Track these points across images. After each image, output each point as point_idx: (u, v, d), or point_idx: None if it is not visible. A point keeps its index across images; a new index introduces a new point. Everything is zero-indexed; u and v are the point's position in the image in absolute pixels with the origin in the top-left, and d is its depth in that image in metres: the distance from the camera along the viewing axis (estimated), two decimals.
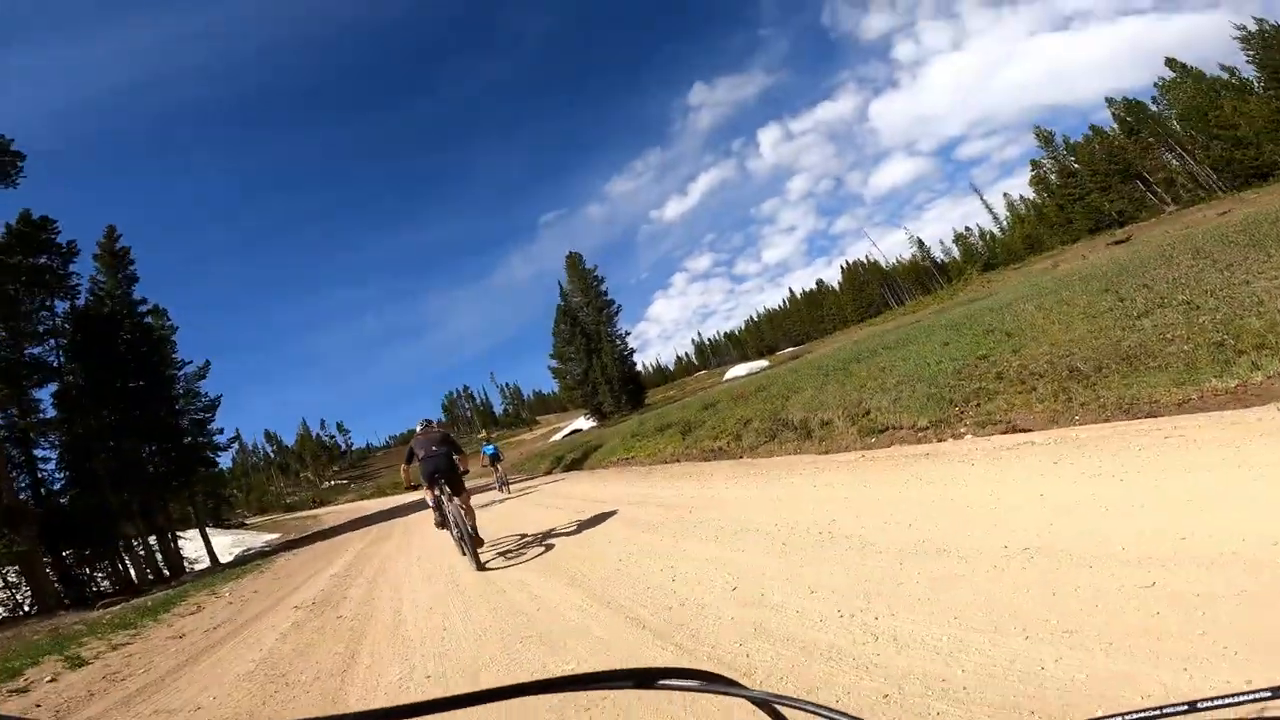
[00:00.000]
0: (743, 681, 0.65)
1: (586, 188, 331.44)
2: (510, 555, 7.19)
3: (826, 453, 9.00)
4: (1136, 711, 0.58)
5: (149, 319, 25.62)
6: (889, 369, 10.45)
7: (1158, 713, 0.58)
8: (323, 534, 24.10)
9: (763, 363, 62.51)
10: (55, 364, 20.38)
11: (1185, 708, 0.57)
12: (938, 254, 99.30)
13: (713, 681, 0.63)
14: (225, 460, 70.86)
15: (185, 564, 22.31)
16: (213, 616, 9.62)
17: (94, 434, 18.88)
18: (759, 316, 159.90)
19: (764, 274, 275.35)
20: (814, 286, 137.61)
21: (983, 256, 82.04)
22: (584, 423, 53.86)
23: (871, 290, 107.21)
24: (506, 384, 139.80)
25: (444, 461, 7.09)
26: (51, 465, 18.90)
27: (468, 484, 7.75)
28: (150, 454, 21.81)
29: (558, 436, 55.72)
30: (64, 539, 17.42)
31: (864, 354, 13.22)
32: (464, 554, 6.83)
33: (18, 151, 21.40)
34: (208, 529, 25.92)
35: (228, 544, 31.62)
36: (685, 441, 14.79)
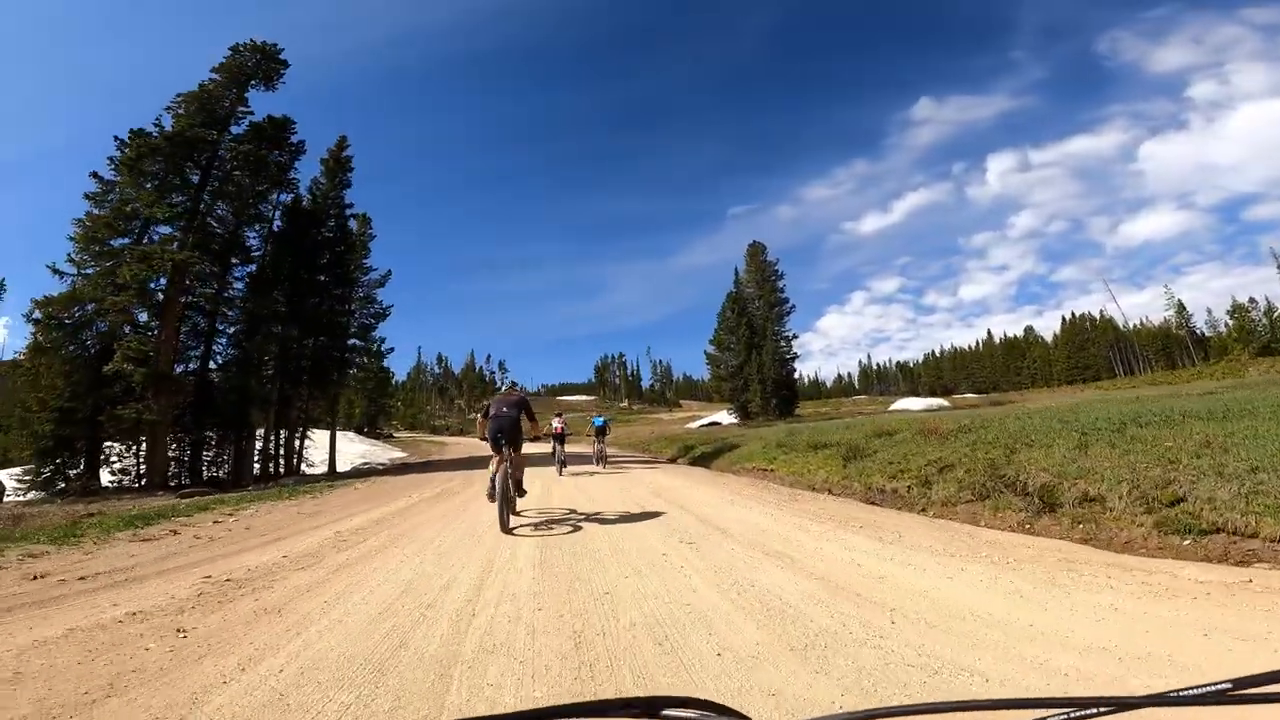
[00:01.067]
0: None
1: (781, 187, 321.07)
2: (542, 528, 7.31)
3: (1085, 541, 5.70)
4: (1108, 700, 0.59)
5: (353, 222, 26.95)
6: (1224, 446, 6.48)
7: (1130, 702, 0.59)
8: (434, 464, 23.91)
9: (940, 401, 55.03)
10: (259, 250, 21.72)
11: (1155, 699, 0.58)
12: (1200, 324, 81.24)
13: (720, 713, 0.63)
14: (393, 369, 78.77)
15: (305, 466, 23.08)
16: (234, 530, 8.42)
17: (264, 315, 19.79)
18: (942, 353, 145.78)
19: (956, 310, 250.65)
20: (1020, 333, 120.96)
21: (1262, 337, 65.66)
22: (725, 417, 50.98)
23: (1095, 351, 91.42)
24: (660, 360, 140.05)
25: (509, 423, 7.45)
26: (224, 342, 20.16)
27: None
28: (314, 346, 22.67)
29: (695, 424, 53.43)
30: (202, 415, 18.39)
31: (1148, 418, 9.06)
32: (502, 515, 6.99)
33: (283, 60, 23.05)
34: (342, 434, 26.87)
35: (358, 452, 33.36)
36: (846, 470, 11.56)
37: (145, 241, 17.84)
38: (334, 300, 24.26)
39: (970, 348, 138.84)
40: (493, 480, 7.24)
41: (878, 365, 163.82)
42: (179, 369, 19.15)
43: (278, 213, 22.08)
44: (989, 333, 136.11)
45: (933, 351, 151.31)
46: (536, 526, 7.39)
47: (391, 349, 27.44)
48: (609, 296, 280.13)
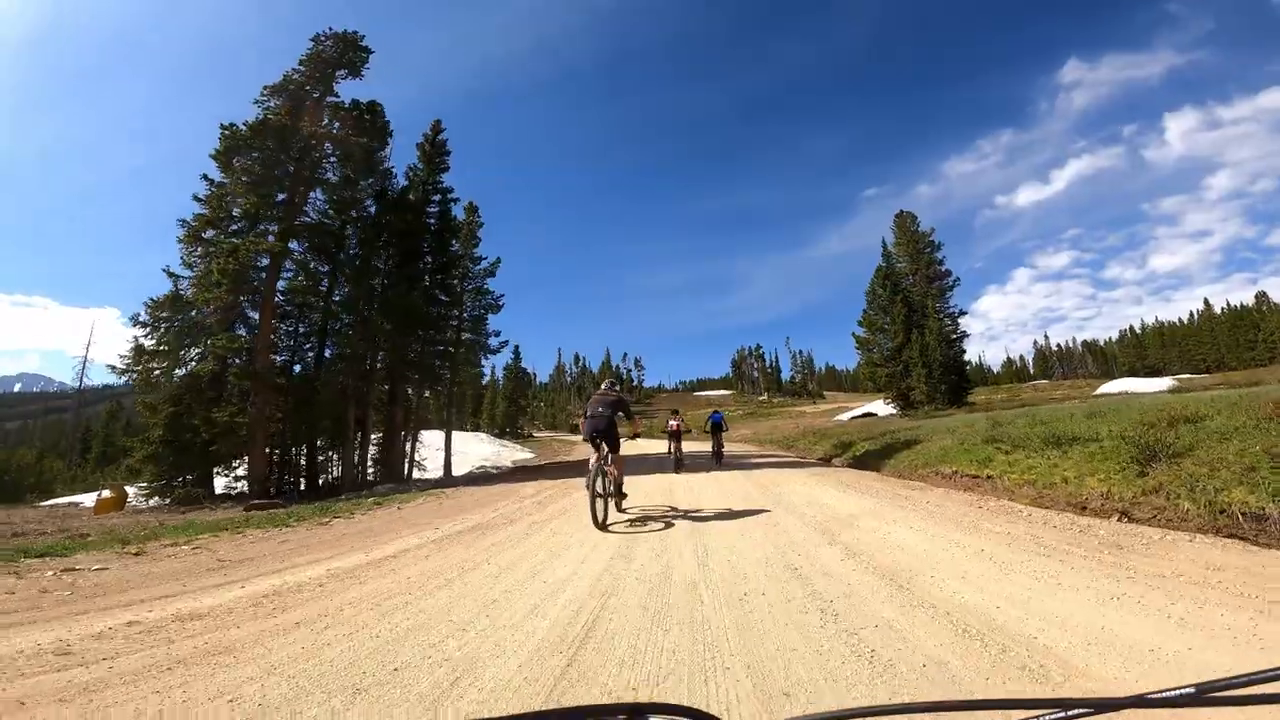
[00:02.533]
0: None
1: (918, 165, 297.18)
2: (638, 524, 7.12)
3: None
4: (1089, 701, 0.61)
5: (459, 211, 25.45)
6: None
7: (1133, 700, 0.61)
8: (547, 469, 21.52)
9: (1166, 382, 44.49)
10: (354, 241, 20.48)
11: (1171, 693, 0.60)
12: None
13: (700, 718, 0.65)
14: (498, 363, 79.62)
15: (417, 470, 21.58)
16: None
17: (357, 308, 18.39)
18: (1143, 329, 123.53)
19: (1147, 282, 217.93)
20: (1248, 301, 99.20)
21: None
22: (881, 407, 44.68)
23: None
24: (799, 351, 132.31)
25: (604, 422, 7.46)
26: (319, 341, 18.85)
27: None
28: (420, 340, 21.12)
29: (844, 416, 47.58)
30: (301, 416, 17.12)
31: None
32: (594, 509, 6.85)
33: (366, 47, 21.91)
34: (474, 435, 25.25)
35: (484, 454, 32.10)
36: (1146, 479, 7.02)
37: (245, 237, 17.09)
38: (437, 290, 22.68)
39: (1180, 322, 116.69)
40: (589, 479, 7.11)
41: (1058, 346, 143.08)
42: (290, 369, 18.37)
43: (370, 200, 20.72)
44: (1206, 303, 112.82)
45: (1129, 328, 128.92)
46: (635, 523, 7.21)
47: (505, 342, 25.63)
48: (744, 291, 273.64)
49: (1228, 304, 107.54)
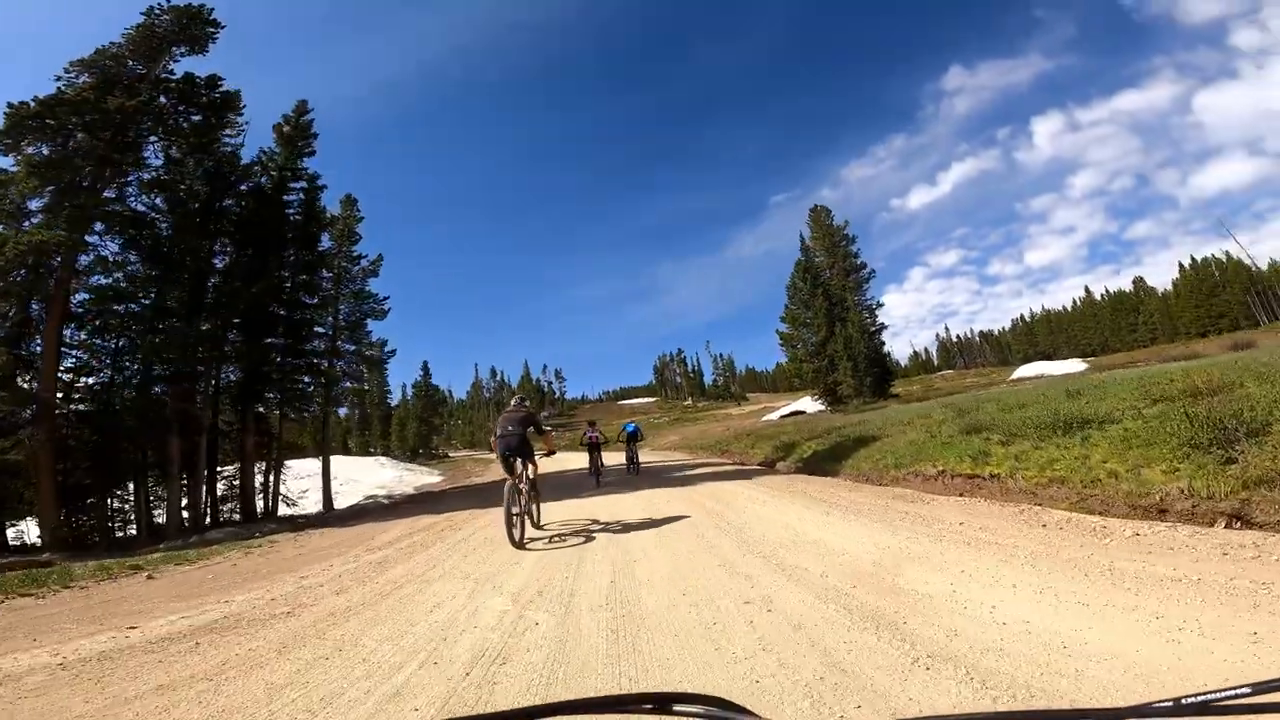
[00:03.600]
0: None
1: (821, 171, 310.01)
2: (556, 540, 7.03)
3: None
4: (1128, 708, 0.59)
5: (330, 202, 21.78)
6: None
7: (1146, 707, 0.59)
8: (453, 494, 18.44)
9: (1078, 365, 46.09)
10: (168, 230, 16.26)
11: (1170, 704, 0.59)
12: None
13: (727, 709, 0.64)
14: (404, 380, 74.42)
15: (285, 504, 17.80)
16: None
17: (165, 304, 14.56)
18: (1033, 317, 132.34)
19: (1025, 277, 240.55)
20: (1126, 287, 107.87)
21: None
22: (809, 404, 43.86)
23: (1228, 297, 78.68)
24: (720, 354, 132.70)
25: (515, 440, 7.32)
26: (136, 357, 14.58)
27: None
28: (270, 351, 17.33)
29: (773, 415, 46.52)
30: (97, 451, 13.15)
31: None
32: (510, 529, 6.69)
33: (214, 20, 18.10)
34: (372, 460, 21.51)
35: (381, 480, 28.30)
36: (1236, 470, 5.07)
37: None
38: (301, 291, 19.05)
39: (1065, 309, 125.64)
40: (505, 498, 6.80)
41: (957, 337, 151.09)
42: (106, 393, 14.29)
43: (205, 187, 16.72)
44: (1087, 290, 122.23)
45: (1020, 317, 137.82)
46: (553, 540, 7.06)
47: (392, 351, 22.09)
48: (665, 298, 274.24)
49: (1107, 290, 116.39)
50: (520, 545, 6.60)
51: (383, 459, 35.00)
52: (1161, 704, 0.59)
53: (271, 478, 17.07)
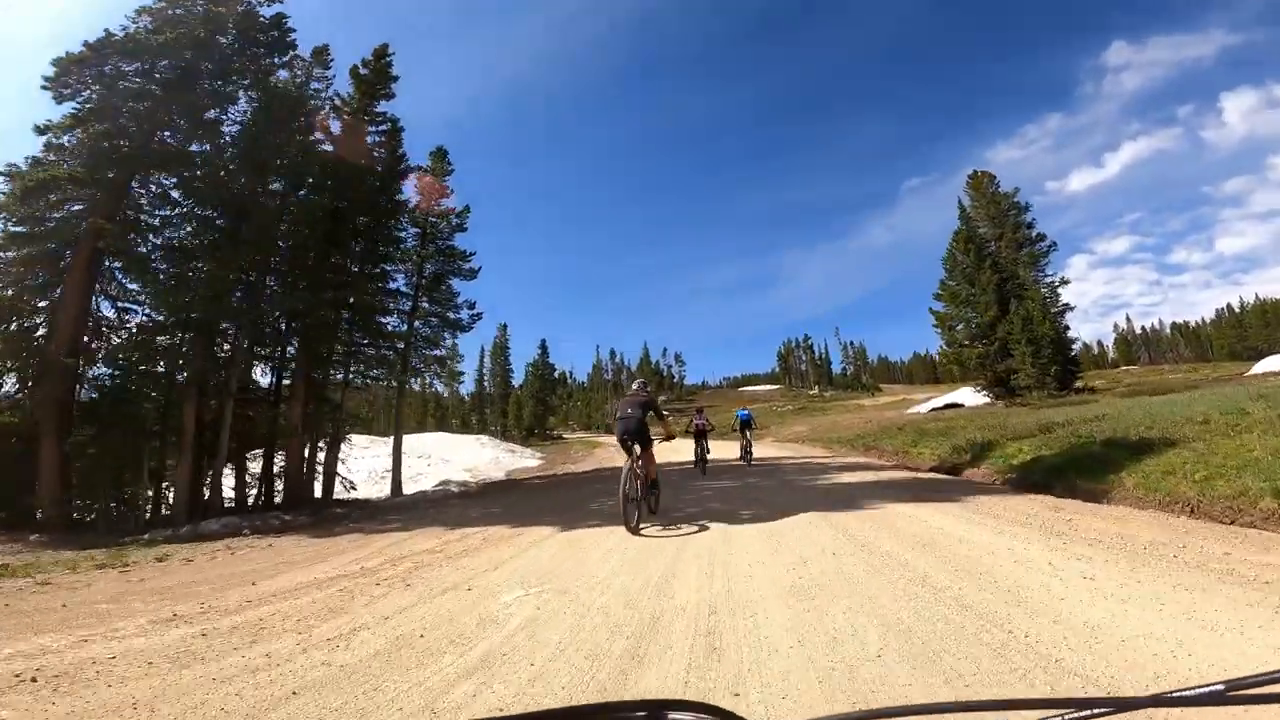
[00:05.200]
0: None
1: (961, 154, 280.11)
2: (671, 527, 6.73)
3: None
4: (1108, 701, 0.61)
5: (416, 154, 19.14)
6: None
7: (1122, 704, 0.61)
8: (542, 487, 15.12)
9: None
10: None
11: (1154, 699, 0.60)
12: None
13: (722, 716, 0.63)
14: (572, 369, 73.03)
15: (347, 487, 15.17)
16: None
17: (205, 237, 12.08)
18: (1243, 308, 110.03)
19: (1215, 266, 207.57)
20: None
21: None
22: (970, 396, 36.74)
23: None
24: (850, 342, 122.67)
25: (634, 423, 7.26)
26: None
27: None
28: (325, 293, 14.54)
29: (921, 408, 39.78)
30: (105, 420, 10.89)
31: None
32: (626, 512, 6.58)
33: None
34: (473, 438, 18.85)
35: (481, 460, 25.87)
36: None
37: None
38: (371, 238, 16.45)
39: None
40: (622, 480, 6.72)
41: (1141, 330, 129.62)
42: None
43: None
44: None
45: (1227, 306, 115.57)
46: (667, 526, 6.77)
47: (479, 314, 19.19)
48: (788, 286, 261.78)
49: None
50: (634, 531, 6.49)
51: (484, 438, 33.27)
52: (1180, 692, 0.59)
53: (323, 455, 14.63)
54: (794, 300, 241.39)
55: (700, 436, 13.72)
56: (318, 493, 14.80)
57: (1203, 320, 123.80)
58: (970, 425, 17.32)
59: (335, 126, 17.57)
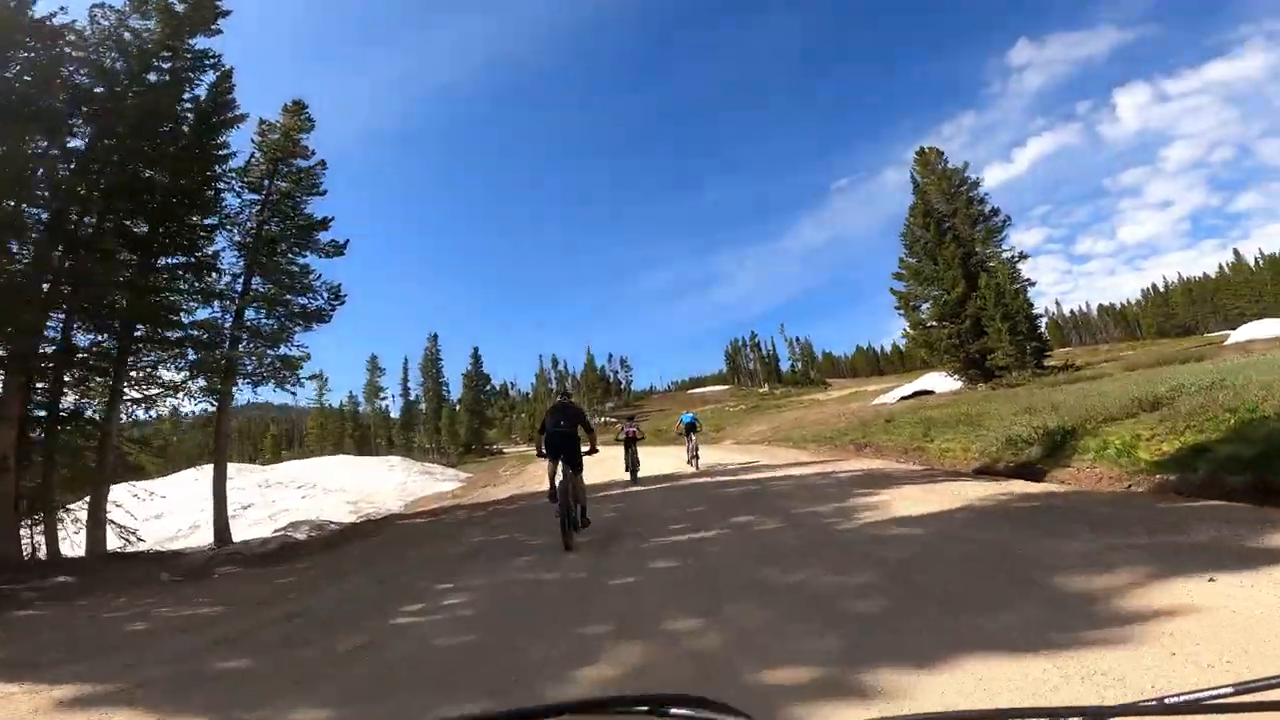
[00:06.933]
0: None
1: (884, 153, 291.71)
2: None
3: None
4: (1108, 708, 0.59)
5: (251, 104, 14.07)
6: None
7: (1130, 707, 0.59)
8: (442, 522, 10.54)
9: None
10: None
11: (1154, 703, 0.58)
12: None
13: (723, 711, 0.62)
14: (516, 380, 66.75)
15: (117, 533, 10.07)
16: None
17: None
18: (1168, 287, 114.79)
19: (1119, 254, 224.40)
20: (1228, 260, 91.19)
21: None
22: (941, 382, 33.75)
23: None
24: (796, 338, 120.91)
25: (564, 439, 6.78)
26: None
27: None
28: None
29: (888, 398, 36.65)
30: None
31: None
32: (564, 529, 6.03)
33: None
34: (387, 457, 14.11)
35: (385, 487, 20.79)
36: None
37: None
38: (162, 206, 11.48)
39: (1206, 276, 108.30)
40: (552, 480, 6.47)
41: (1071, 313, 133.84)
42: None
43: None
44: (1236, 254, 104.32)
45: (1152, 287, 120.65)
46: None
47: (340, 299, 14.18)
48: (728, 287, 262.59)
49: (1261, 252, 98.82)
50: (570, 547, 5.86)
51: (394, 459, 27.97)
52: (1146, 703, 0.58)
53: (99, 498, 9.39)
54: (734, 302, 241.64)
55: (630, 444, 13.41)
56: (79, 549, 9.68)
57: (1128, 301, 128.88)
58: (985, 414, 13.59)
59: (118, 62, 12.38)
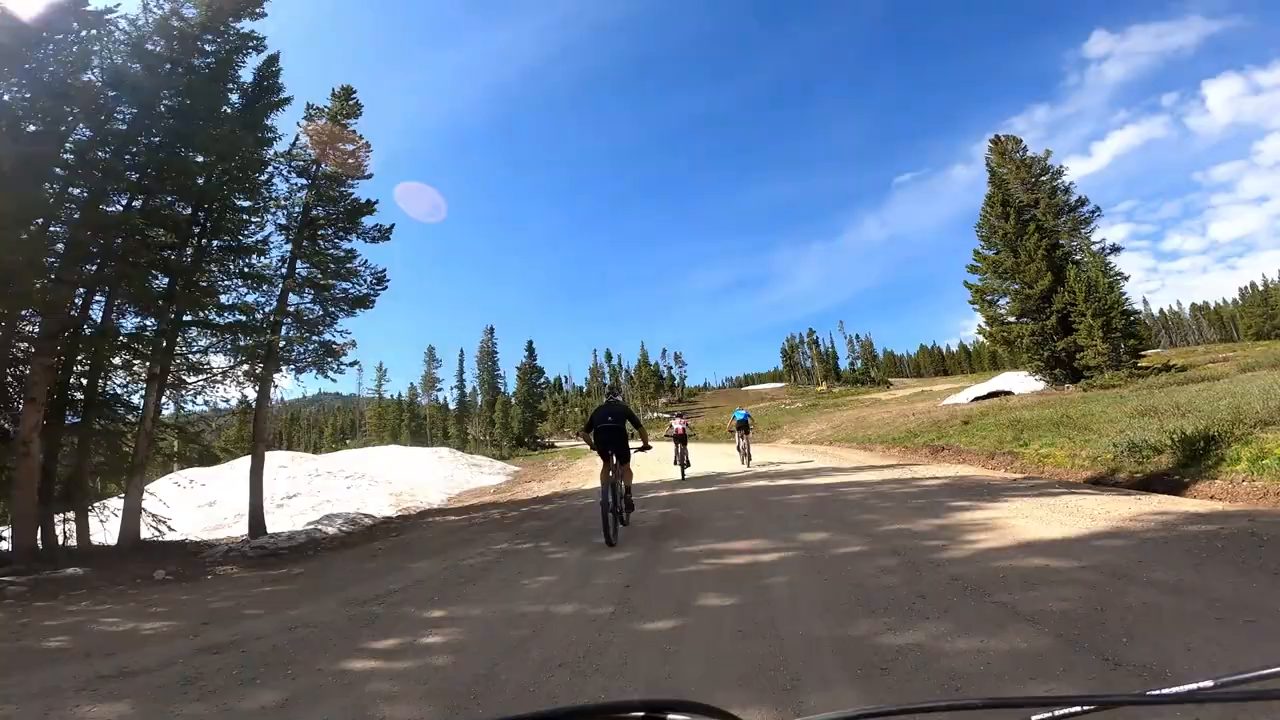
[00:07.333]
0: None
1: (950, 149, 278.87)
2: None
3: None
4: (1090, 699, 0.60)
5: (279, 79, 13.68)
6: None
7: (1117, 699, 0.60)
8: (477, 521, 9.84)
9: None
10: None
11: (1137, 695, 0.59)
12: None
13: (721, 717, 0.62)
14: (569, 374, 66.46)
15: (151, 525, 9.79)
16: None
17: None
18: (1267, 286, 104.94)
19: (1211, 251, 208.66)
20: None
21: None
22: (1020, 382, 31.16)
23: None
24: (856, 335, 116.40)
25: (613, 434, 7.06)
26: None
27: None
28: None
29: (960, 399, 34.22)
30: None
31: None
32: (605, 524, 6.18)
33: None
34: (430, 450, 13.42)
35: (432, 479, 20.41)
36: None
37: None
38: (209, 189, 11.12)
39: None
40: (604, 482, 6.53)
41: (1160, 312, 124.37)
42: None
43: None
44: None
45: (1250, 285, 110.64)
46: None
47: (385, 284, 13.72)
48: (787, 284, 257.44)
49: None
50: (612, 543, 6.03)
51: (443, 451, 27.76)
52: (1129, 695, 0.59)
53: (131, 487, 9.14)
54: (791, 299, 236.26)
55: (680, 441, 13.37)
56: (113, 537, 9.43)
57: (1224, 300, 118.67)
58: (1077, 413, 11.91)
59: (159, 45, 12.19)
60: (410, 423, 63.03)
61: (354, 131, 16.17)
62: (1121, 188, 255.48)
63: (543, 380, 70.12)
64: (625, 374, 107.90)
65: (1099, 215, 35.33)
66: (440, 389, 68.29)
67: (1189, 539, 3.70)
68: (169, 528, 10.26)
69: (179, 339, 11.76)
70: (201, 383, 12.35)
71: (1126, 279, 32.46)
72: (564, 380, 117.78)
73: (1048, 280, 28.55)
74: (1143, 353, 31.90)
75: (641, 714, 0.60)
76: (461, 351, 65.73)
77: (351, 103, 16.43)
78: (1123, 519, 4.41)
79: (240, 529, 13.60)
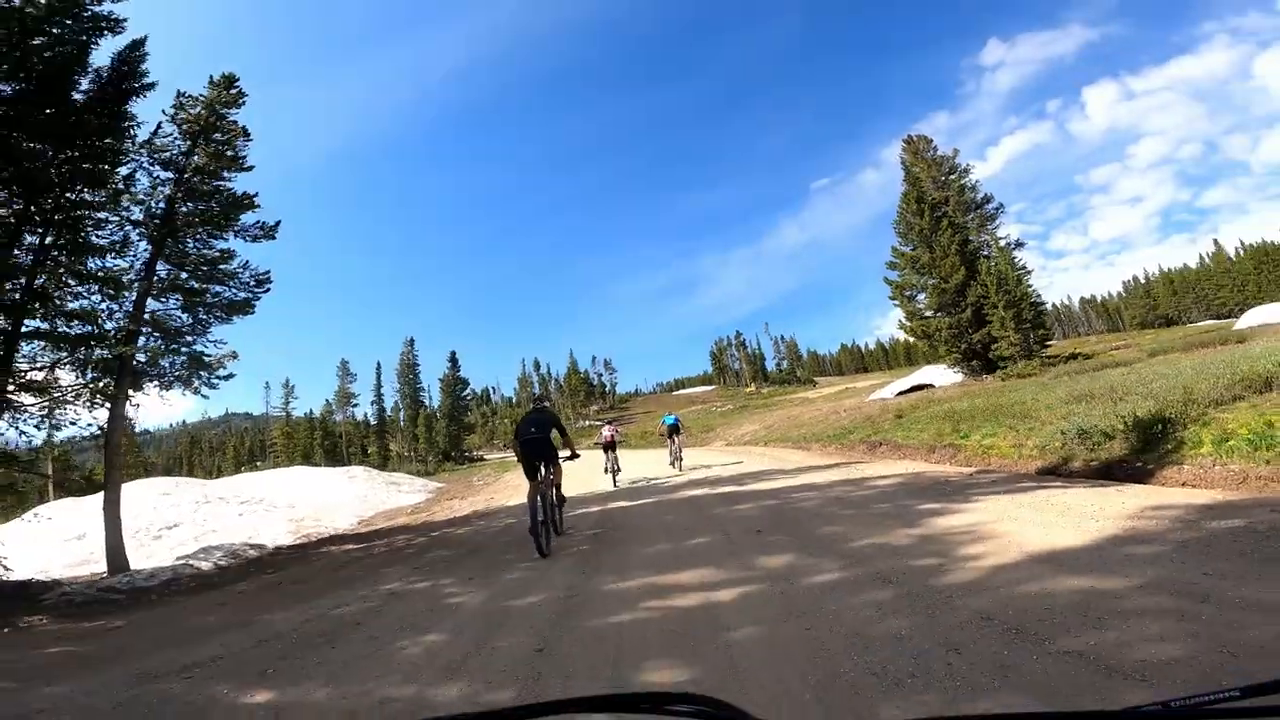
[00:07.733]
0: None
1: (862, 154, 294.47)
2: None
3: None
4: (1098, 715, 0.63)
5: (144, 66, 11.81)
6: None
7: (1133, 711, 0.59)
8: (379, 547, 8.52)
9: None
10: None
11: (1159, 708, 0.57)
12: None
13: (723, 709, 0.62)
14: (431, 377, 63.59)
15: None
16: None
17: None
18: (1149, 279, 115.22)
19: (1092, 249, 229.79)
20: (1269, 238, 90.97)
21: None
22: (940, 375, 32.14)
23: None
24: (781, 336, 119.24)
25: (540, 445, 6.80)
26: None
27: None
28: None
29: (885, 393, 34.99)
30: None
31: None
32: (537, 539, 5.87)
33: None
34: (342, 470, 12.47)
35: (337, 500, 18.58)
36: None
37: None
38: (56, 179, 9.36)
39: (1189, 267, 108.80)
40: (530, 511, 5.99)
41: (1053, 306, 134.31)
42: None
43: None
44: (1216, 244, 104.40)
45: (1134, 279, 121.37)
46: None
47: (269, 285, 12.24)
48: (713, 289, 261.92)
49: (1241, 243, 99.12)
50: (545, 554, 5.83)
51: (356, 470, 25.60)
52: (1150, 707, 0.57)
53: None
54: (719, 303, 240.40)
55: (610, 449, 13.18)
56: None
57: (1109, 294, 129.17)
58: (1007, 402, 11.80)
59: None
60: (324, 441, 58.95)
61: (233, 121, 14.32)
62: (1014, 190, 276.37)
63: (468, 392, 67.18)
64: (555, 383, 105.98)
65: (1003, 212, 37.30)
66: (357, 404, 64.31)
67: (1226, 539, 3.08)
68: (4, 566, 8.38)
69: (15, 353, 9.77)
70: (46, 404, 10.34)
71: (1030, 273, 34.26)
72: (492, 391, 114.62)
73: (961, 275, 29.55)
74: (1049, 343, 33.71)
75: (646, 706, 0.60)
76: (379, 365, 61.68)
77: (234, 91, 14.47)
78: (1127, 518, 3.79)
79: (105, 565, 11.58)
